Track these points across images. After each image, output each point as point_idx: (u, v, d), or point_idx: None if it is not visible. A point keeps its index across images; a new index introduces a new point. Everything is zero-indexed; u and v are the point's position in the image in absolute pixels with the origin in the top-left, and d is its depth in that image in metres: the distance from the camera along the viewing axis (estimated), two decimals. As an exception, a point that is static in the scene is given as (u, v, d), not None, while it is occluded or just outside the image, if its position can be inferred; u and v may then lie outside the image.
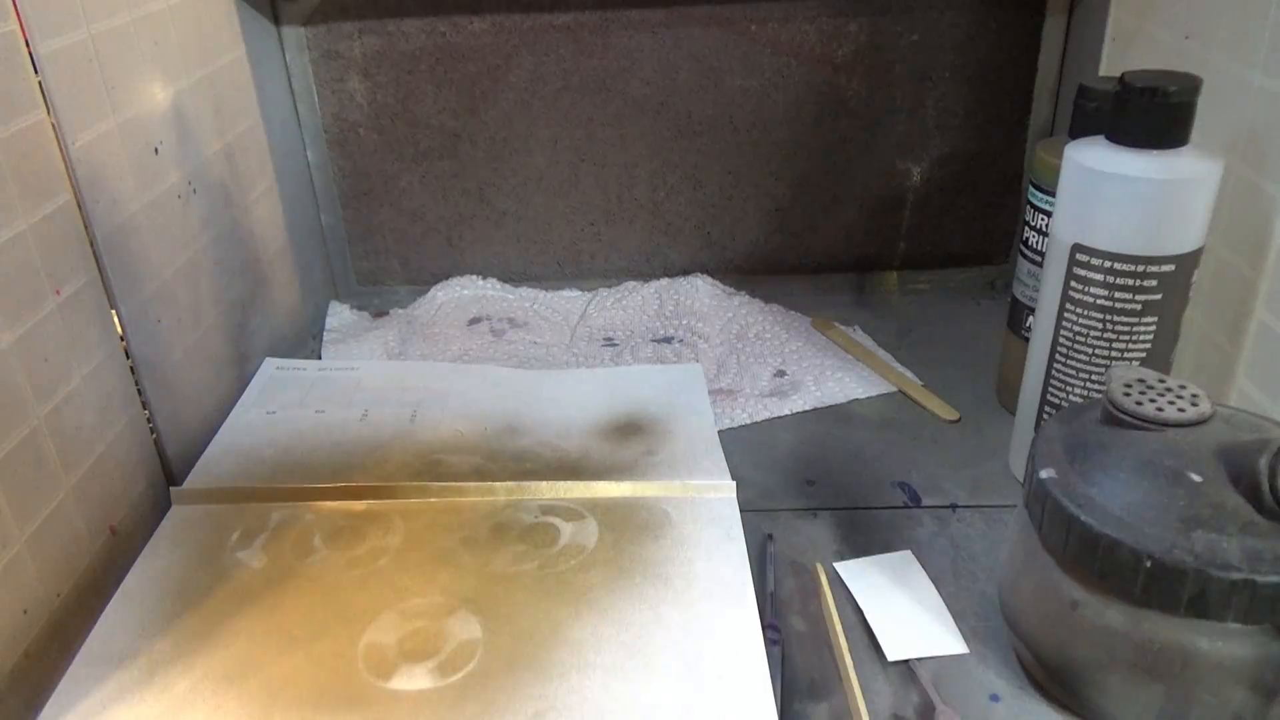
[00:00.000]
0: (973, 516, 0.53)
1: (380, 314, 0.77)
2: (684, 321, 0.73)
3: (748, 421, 0.61)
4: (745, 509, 0.51)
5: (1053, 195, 0.50)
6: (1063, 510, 0.38)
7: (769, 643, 0.43)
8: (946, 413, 0.62)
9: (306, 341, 0.73)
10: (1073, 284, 0.48)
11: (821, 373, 0.66)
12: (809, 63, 0.71)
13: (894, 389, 0.64)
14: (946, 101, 0.72)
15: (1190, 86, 0.44)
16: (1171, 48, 0.55)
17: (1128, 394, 0.40)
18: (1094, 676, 0.38)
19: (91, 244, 0.47)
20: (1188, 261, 0.46)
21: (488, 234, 0.78)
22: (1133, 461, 0.38)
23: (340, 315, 0.76)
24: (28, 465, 0.42)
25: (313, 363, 0.67)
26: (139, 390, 0.51)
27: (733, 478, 0.53)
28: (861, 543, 0.51)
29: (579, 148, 0.74)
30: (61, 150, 0.45)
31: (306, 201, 0.75)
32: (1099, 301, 0.47)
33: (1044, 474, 0.39)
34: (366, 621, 0.44)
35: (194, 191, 0.58)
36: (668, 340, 0.71)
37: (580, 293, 0.78)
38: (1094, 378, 0.49)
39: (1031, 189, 0.56)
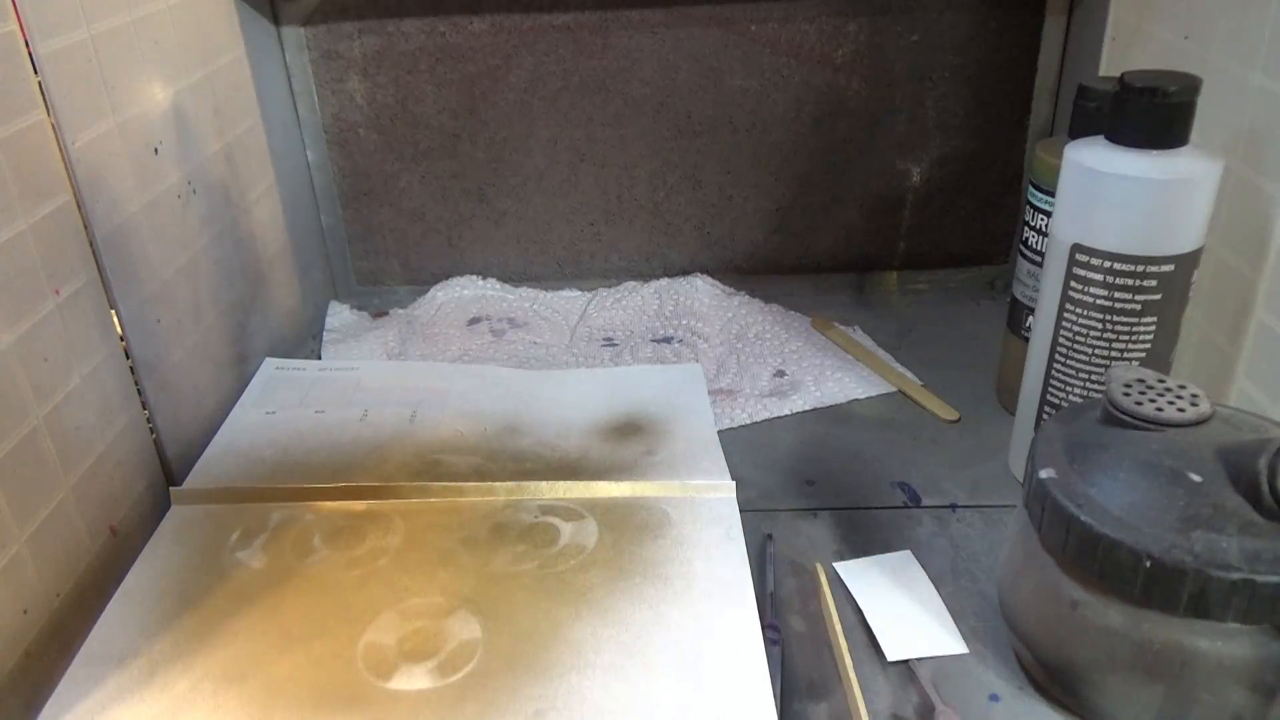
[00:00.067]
0: (972, 516, 0.53)
1: (380, 314, 0.77)
2: (684, 321, 0.73)
3: (747, 421, 0.61)
4: (745, 509, 0.51)
5: (1052, 195, 0.50)
6: (1062, 510, 0.38)
7: (769, 643, 0.43)
8: (946, 413, 0.62)
9: (306, 342, 0.73)
10: (1072, 284, 0.48)
11: (821, 373, 0.66)
12: (809, 63, 0.71)
13: (894, 389, 0.64)
14: (946, 101, 0.72)
15: (1190, 86, 0.44)
16: (1171, 48, 0.55)
17: (1127, 394, 0.40)
18: (1093, 676, 0.38)
19: (91, 244, 0.47)
20: (1187, 261, 0.46)
21: (487, 234, 0.78)
22: (1132, 461, 0.38)
23: (340, 315, 0.76)
24: (27, 465, 0.42)
25: (313, 363, 0.67)
26: (139, 390, 0.51)
27: (732, 478, 0.53)
28: (861, 543, 0.51)
29: (579, 148, 0.74)
30: (61, 150, 0.45)
31: (306, 202, 0.75)
32: (1099, 301, 0.47)
33: (1044, 474, 0.39)
34: (366, 621, 0.44)
35: (194, 191, 0.58)
36: (668, 340, 0.71)
37: (580, 293, 0.78)
38: (1094, 378, 0.49)
39: (1031, 189, 0.56)
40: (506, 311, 0.76)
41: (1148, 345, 0.47)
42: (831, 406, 0.63)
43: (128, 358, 0.51)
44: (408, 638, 0.43)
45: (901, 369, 0.67)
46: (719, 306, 0.74)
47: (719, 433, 0.58)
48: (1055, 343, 0.49)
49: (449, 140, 0.74)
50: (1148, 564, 0.35)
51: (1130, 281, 0.46)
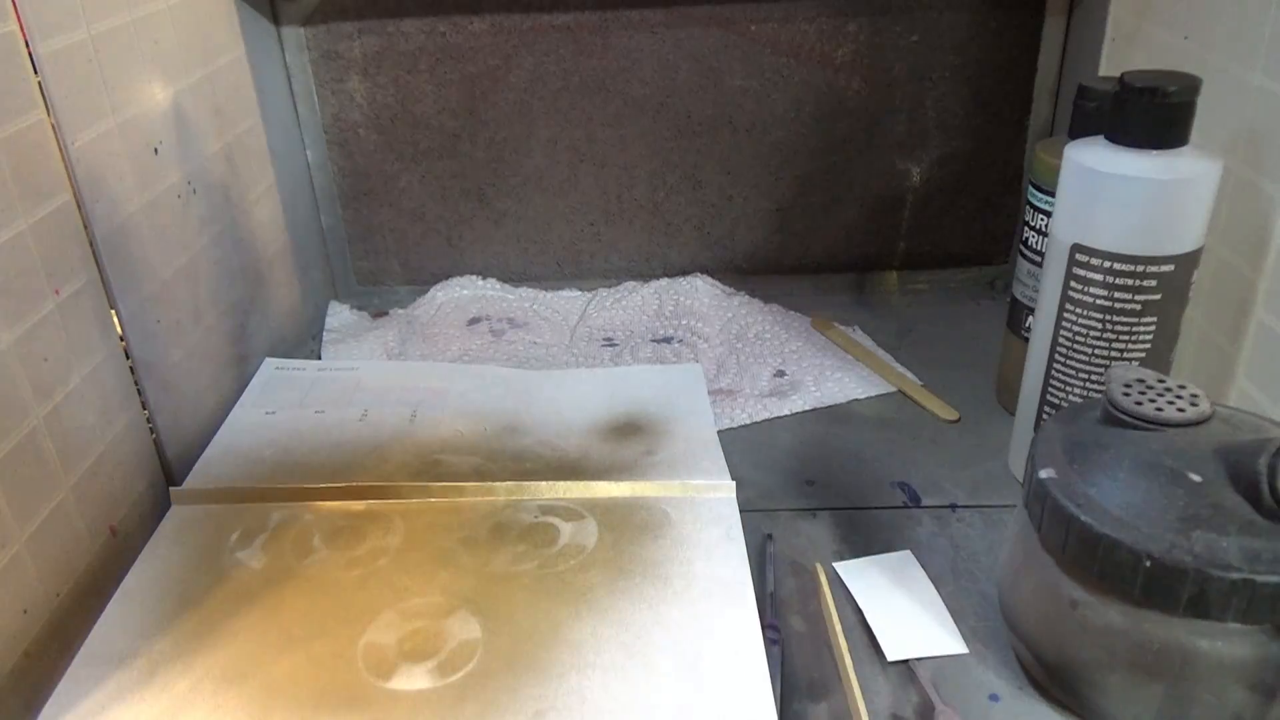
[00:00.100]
0: (972, 516, 0.53)
1: (380, 314, 0.77)
2: (684, 321, 0.73)
3: (747, 421, 0.61)
4: (745, 509, 0.51)
5: (1052, 195, 0.50)
6: (1062, 510, 0.38)
7: (769, 643, 0.43)
8: (946, 413, 0.62)
9: (306, 342, 0.73)
10: (1072, 284, 0.48)
11: (821, 373, 0.66)
12: (808, 63, 0.71)
13: (893, 389, 0.64)
14: (946, 101, 0.72)
15: (1190, 86, 0.44)
16: (1171, 48, 0.55)
17: (1127, 394, 0.40)
18: (1093, 676, 0.38)
19: (91, 244, 0.47)
20: (1187, 261, 0.46)
21: (487, 234, 0.78)
22: (1132, 461, 0.38)
23: (340, 315, 0.76)
24: (27, 465, 0.42)
25: (312, 363, 0.67)
26: (139, 390, 0.51)
27: (732, 478, 0.53)
28: (861, 543, 0.51)
29: (579, 148, 0.74)
30: (61, 150, 0.45)
31: (306, 202, 0.75)
32: (1099, 301, 0.47)
33: (1044, 474, 0.39)
34: (366, 621, 0.44)
35: (194, 192, 0.58)
36: (667, 340, 0.71)
37: (580, 293, 0.78)
38: (1094, 378, 0.49)
39: (1031, 189, 0.56)
40: (506, 311, 0.76)
41: (1148, 345, 0.47)
42: (831, 406, 0.63)
43: (128, 358, 0.51)
44: (408, 638, 0.43)
45: (901, 369, 0.67)
46: (719, 306, 0.74)
47: (719, 433, 0.58)
48: (1055, 343, 0.49)
49: (449, 140, 0.74)
50: (1148, 564, 0.35)
51: (1130, 281, 0.46)
